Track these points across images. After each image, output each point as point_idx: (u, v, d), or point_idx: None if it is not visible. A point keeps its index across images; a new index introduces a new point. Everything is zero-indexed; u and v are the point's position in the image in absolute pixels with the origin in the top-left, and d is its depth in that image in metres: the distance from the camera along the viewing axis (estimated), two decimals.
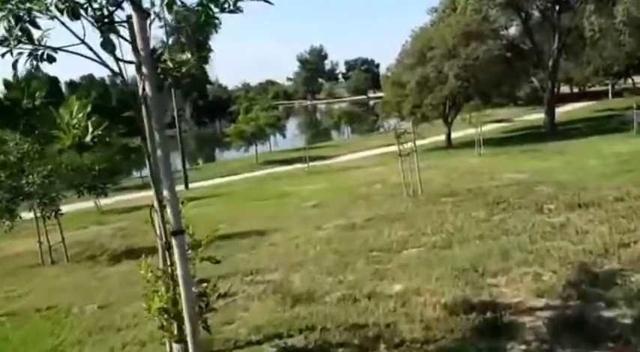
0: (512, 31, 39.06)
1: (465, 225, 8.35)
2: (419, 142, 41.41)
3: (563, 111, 52.42)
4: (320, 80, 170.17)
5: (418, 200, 13.28)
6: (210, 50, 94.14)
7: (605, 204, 9.48)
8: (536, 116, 47.54)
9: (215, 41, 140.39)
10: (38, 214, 13.86)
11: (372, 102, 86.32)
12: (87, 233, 17.05)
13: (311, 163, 35.10)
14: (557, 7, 36.08)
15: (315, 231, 9.99)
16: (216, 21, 3.94)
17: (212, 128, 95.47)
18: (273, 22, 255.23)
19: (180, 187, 31.04)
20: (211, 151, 66.01)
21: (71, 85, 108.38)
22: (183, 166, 31.21)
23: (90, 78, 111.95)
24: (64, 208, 26.16)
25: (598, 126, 35.70)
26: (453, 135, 38.11)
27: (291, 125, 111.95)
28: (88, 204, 27.37)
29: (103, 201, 28.41)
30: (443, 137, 37.90)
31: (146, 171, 41.52)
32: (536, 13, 38.04)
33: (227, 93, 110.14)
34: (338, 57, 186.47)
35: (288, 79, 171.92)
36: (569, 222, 8.44)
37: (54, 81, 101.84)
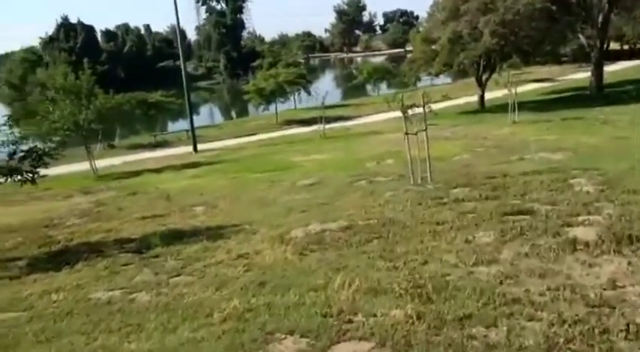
0: None
1: (454, 274, 5.43)
2: (449, 103, 38.72)
3: (611, 70, 48.03)
4: (357, 32, 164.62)
5: (423, 194, 10.94)
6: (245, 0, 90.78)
7: None
8: (581, 75, 43.56)
9: None
10: None
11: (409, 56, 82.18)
12: (57, 207, 15.37)
13: (331, 125, 32.78)
14: None
15: (270, 246, 7.71)
16: None
17: (245, 81, 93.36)
18: None
19: (188, 148, 29.25)
20: (244, 106, 63.21)
21: (107, 33, 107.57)
22: (191, 127, 29.19)
23: (125, 27, 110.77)
24: (58, 170, 25.32)
25: None
26: (490, 95, 34.98)
27: (327, 79, 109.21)
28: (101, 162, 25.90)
29: (111, 161, 27.08)
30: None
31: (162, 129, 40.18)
32: None
33: (262, 44, 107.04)
34: (376, 8, 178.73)
35: (326, 31, 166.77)
36: (622, 292, 4.84)
37: (89, 29, 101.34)
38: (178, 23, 29.47)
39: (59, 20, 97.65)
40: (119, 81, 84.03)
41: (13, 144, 9.05)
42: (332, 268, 5.96)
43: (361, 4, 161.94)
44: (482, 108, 33.86)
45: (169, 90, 47.93)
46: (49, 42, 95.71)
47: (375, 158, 19.34)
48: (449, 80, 56.50)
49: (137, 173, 21.99)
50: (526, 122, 24.99)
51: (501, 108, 29.21)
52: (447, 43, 30.44)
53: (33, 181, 9.29)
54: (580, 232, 6.48)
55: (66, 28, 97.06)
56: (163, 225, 11.11)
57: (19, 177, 9.12)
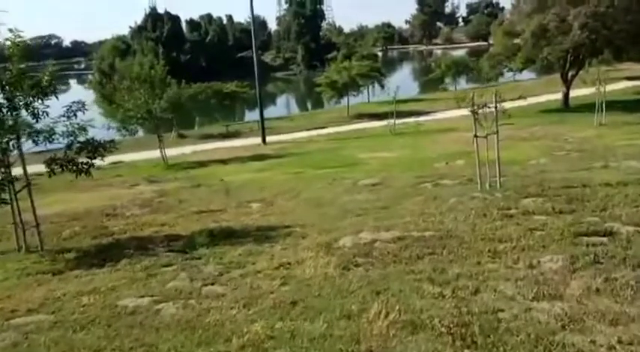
0: None
1: (508, 310, 4.65)
2: (531, 100, 36.77)
3: None
4: (438, 24, 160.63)
5: (489, 202, 10.08)
6: None
7: None
8: None
9: None
10: None
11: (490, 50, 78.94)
12: (123, 195, 15.69)
13: (403, 120, 31.92)
14: None
15: (315, 256, 7.18)
16: None
17: (321, 72, 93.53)
18: None
19: (258, 140, 29.36)
20: (319, 97, 63.21)
21: (191, 23, 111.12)
22: (261, 118, 29.21)
23: (208, 17, 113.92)
24: (132, 156, 26.12)
25: None
26: (576, 93, 32.80)
27: (404, 72, 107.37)
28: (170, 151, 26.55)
29: (182, 150, 27.69)
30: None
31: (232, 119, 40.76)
32: None
33: (340, 36, 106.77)
34: None
35: (407, 22, 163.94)
36: None
37: (175, 19, 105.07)
38: (252, 12, 29.55)
39: (147, 10, 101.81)
40: (201, 70, 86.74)
41: (70, 136, 9.10)
42: (372, 290, 5.41)
43: None
44: (567, 107, 31.86)
45: (247, 80, 48.56)
46: (138, 31, 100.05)
47: (445, 157, 18.47)
48: (533, 75, 53.69)
49: (204, 163, 22.27)
50: (614, 124, 23.14)
51: (588, 107, 27.25)
52: (530, 36, 28.67)
53: (87, 172, 9.34)
54: None
55: (153, 18, 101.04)
56: (216, 221, 10.94)
57: (74, 168, 9.17)
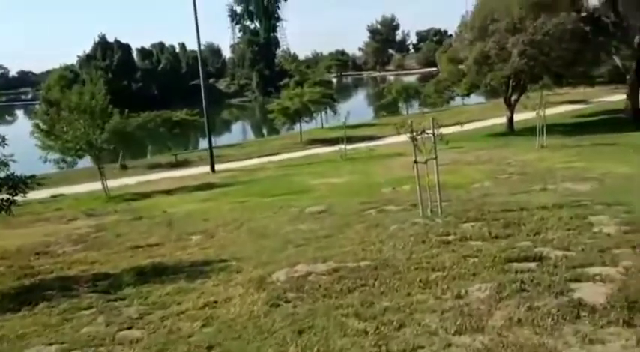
0: (594, 1, 33.51)
1: (428, 347, 4.58)
2: (478, 124, 37.53)
3: None
4: (390, 51, 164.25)
5: (429, 228, 10.07)
6: (279, 19, 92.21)
7: None
8: (617, 97, 41.80)
9: (288, 10, 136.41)
10: None
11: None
12: (59, 231, 15.00)
13: (355, 145, 32.16)
14: None
15: (245, 292, 6.90)
16: None
17: (276, 98, 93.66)
18: None
19: (206, 168, 28.88)
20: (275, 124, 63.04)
21: (142, 51, 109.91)
22: (210, 146, 28.78)
23: (160, 46, 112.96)
24: (75, 188, 25.24)
25: None
26: (521, 117, 33.79)
27: (359, 97, 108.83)
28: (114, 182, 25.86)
29: (127, 181, 26.91)
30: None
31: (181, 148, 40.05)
32: None
33: (294, 63, 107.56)
34: (410, 27, 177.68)
35: (360, 50, 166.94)
36: None
37: (125, 48, 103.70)
38: (199, 39, 29.27)
39: (97, 39, 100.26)
40: (153, 98, 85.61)
41: None
42: (295, 329, 5.18)
43: (395, 23, 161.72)
44: (511, 130, 32.74)
45: (201, 107, 48.22)
46: (87, 60, 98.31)
47: (392, 183, 18.52)
48: (482, 100, 55.24)
49: (148, 195, 21.66)
50: (554, 146, 23.83)
51: (531, 131, 28.05)
52: (473, 63, 29.50)
53: (8, 210, 8.83)
54: (588, 292, 5.52)
55: (103, 46, 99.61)
56: (151, 257, 10.53)
57: None
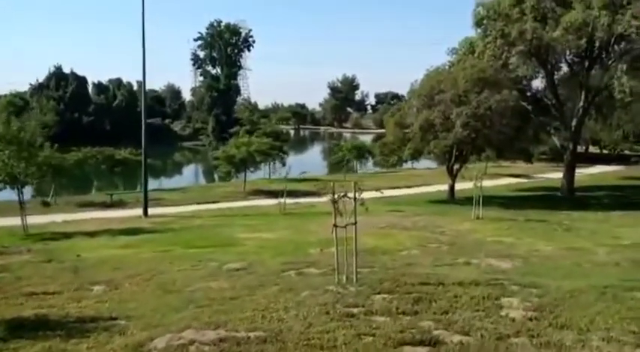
0: (537, 82, 35.28)
1: None
2: (423, 189, 37.88)
3: (588, 173, 48.23)
4: (349, 109, 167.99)
5: (340, 298, 9.68)
6: (241, 67, 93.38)
7: None
8: (558, 175, 43.55)
9: (253, 60, 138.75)
10: None
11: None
12: None
13: (298, 199, 31.90)
14: (586, 63, 32.26)
15: None
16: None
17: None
18: (311, 46, 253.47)
19: (140, 211, 27.85)
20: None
21: (99, 85, 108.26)
22: (144, 189, 27.87)
23: (118, 81, 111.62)
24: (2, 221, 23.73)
25: (621, 199, 31.56)
26: (463, 186, 34.43)
27: (315, 151, 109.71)
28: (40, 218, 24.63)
29: (53, 218, 25.54)
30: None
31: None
32: (563, 67, 34.25)
33: (251, 112, 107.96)
34: (369, 89, 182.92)
35: (320, 105, 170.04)
36: None
37: (81, 80, 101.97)
38: (144, 78, 29.00)
39: (52, 69, 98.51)
40: (104, 133, 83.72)
41: None
42: None
43: (355, 83, 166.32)
44: (452, 198, 33.27)
45: (153, 146, 47.28)
46: (39, 89, 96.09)
47: (322, 243, 18.05)
48: (434, 164, 56.37)
49: (70, 235, 20.53)
50: (489, 219, 24.18)
51: (470, 200, 28.48)
52: (419, 129, 30.14)
53: None
54: None
55: (58, 77, 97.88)
56: (40, 307, 9.70)
57: None
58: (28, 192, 28.68)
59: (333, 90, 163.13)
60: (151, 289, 11.46)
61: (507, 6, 31.80)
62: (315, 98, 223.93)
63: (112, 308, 9.68)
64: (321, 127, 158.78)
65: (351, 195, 11.55)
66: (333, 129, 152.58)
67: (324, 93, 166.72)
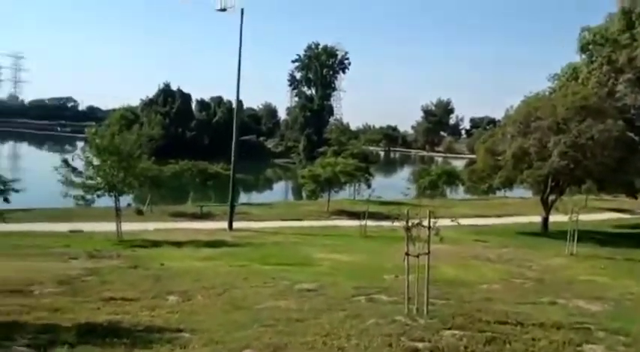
0: None
1: None
2: (512, 219, 36.15)
3: None
4: (442, 133, 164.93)
5: (407, 330, 9.31)
6: (335, 88, 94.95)
7: None
8: None
9: (349, 81, 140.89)
10: None
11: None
12: (53, 269, 14.84)
13: (380, 222, 31.39)
14: None
15: None
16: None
17: None
18: (406, 68, 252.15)
19: (225, 224, 28.72)
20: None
21: (202, 102, 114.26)
22: (231, 203, 28.80)
23: (219, 99, 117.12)
24: (95, 226, 25.41)
25: None
26: (560, 218, 32.43)
27: (404, 173, 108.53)
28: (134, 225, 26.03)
29: (146, 226, 26.98)
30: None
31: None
32: None
33: (346, 132, 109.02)
34: (465, 113, 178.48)
35: (412, 127, 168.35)
36: None
37: (186, 97, 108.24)
38: (237, 97, 30.42)
39: (161, 86, 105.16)
40: (204, 148, 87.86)
41: None
42: None
43: (450, 107, 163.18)
44: (545, 231, 31.39)
45: (247, 162, 48.91)
46: (148, 104, 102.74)
47: (399, 269, 17.52)
48: (527, 193, 53.72)
49: (158, 243, 21.53)
50: (584, 255, 22.52)
51: (565, 235, 26.74)
52: (511, 158, 28.85)
53: None
54: None
55: (165, 93, 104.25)
56: (115, 313, 10.12)
57: None
58: (125, 200, 30.48)
59: (427, 113, 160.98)
60: (222, 303, 11.64)
61: (616, 31, 29.94)
62: (408, 121, 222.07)
63: (181, 319, 9.92)
64: (412, 150, 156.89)
65: (425, 223, 11.18)
66: (424, 153, 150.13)
67: (417, 116, 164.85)
